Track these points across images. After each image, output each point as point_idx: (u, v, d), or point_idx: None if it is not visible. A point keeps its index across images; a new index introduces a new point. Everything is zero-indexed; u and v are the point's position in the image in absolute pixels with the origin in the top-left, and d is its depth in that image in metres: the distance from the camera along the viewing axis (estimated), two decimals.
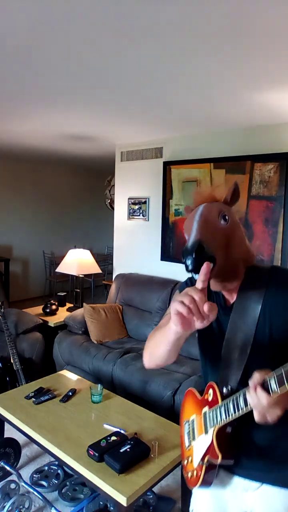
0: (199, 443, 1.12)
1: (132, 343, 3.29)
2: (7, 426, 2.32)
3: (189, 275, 1.05)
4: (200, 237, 0.97)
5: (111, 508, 1.97)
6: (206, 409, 1.11)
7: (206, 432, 1.09)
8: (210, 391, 1.10)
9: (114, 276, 4.08)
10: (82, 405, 2.25)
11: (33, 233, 6.45)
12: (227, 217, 1.01)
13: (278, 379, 0.84)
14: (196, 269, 0.95)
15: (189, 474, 1.17)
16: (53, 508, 2.00)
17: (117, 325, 3.48)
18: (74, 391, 2.38)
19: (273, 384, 0.86)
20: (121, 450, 1.76)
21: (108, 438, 1.85)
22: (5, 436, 2.42)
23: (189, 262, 0.96)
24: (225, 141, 3.19)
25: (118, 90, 2.18)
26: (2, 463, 2.24)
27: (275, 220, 2.89)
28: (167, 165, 3.58)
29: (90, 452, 1.77)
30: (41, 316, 3.73)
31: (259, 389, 0.87)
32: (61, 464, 2.08)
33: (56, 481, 2.27)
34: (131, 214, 3.99)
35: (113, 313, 3.52)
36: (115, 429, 1.98)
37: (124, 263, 4.09)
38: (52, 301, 3.93)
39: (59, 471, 2.34)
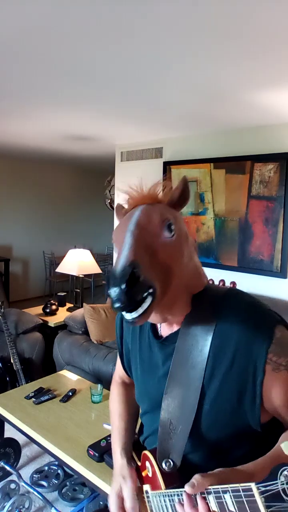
0: None
1: None
2: (7, 426, 2.32)
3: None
4: (135, 258, 0.65)
5: None
6: (147, 488, 0.84)
7: None
8: (148, 464, 0.82)
9: None
10: (82, 405, 2.25)
11: (33, 233, 6.45)
12: (173, 227, 0.72)
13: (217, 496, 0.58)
14: (125, 307, 0.64)
15: None
16: (53, 508, 2.00)
17: None
18: (74, 391, 2.38)
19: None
20: None
21: (108, 438, 1.84)
22: (5, 436, 2.42)
23: (115, 294, 0.63)
24: (225, 141, 3.18)
25: (118, 90, 2.18)
26: (2, 463, 2.24)
27: (275, 220, 2.89)
28: (167, 165, 3.58)
29: (90, 452, 1.77)
30: (41, 316, 3.73)
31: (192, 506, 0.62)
32: (61, 464, 2.08)
33: (56, 481, 2.27)
34: None
35: (113, 313, 3.52)
36: None
37: None
38: (52, 301, 3.92)
39: (59, 471, 2.34)
